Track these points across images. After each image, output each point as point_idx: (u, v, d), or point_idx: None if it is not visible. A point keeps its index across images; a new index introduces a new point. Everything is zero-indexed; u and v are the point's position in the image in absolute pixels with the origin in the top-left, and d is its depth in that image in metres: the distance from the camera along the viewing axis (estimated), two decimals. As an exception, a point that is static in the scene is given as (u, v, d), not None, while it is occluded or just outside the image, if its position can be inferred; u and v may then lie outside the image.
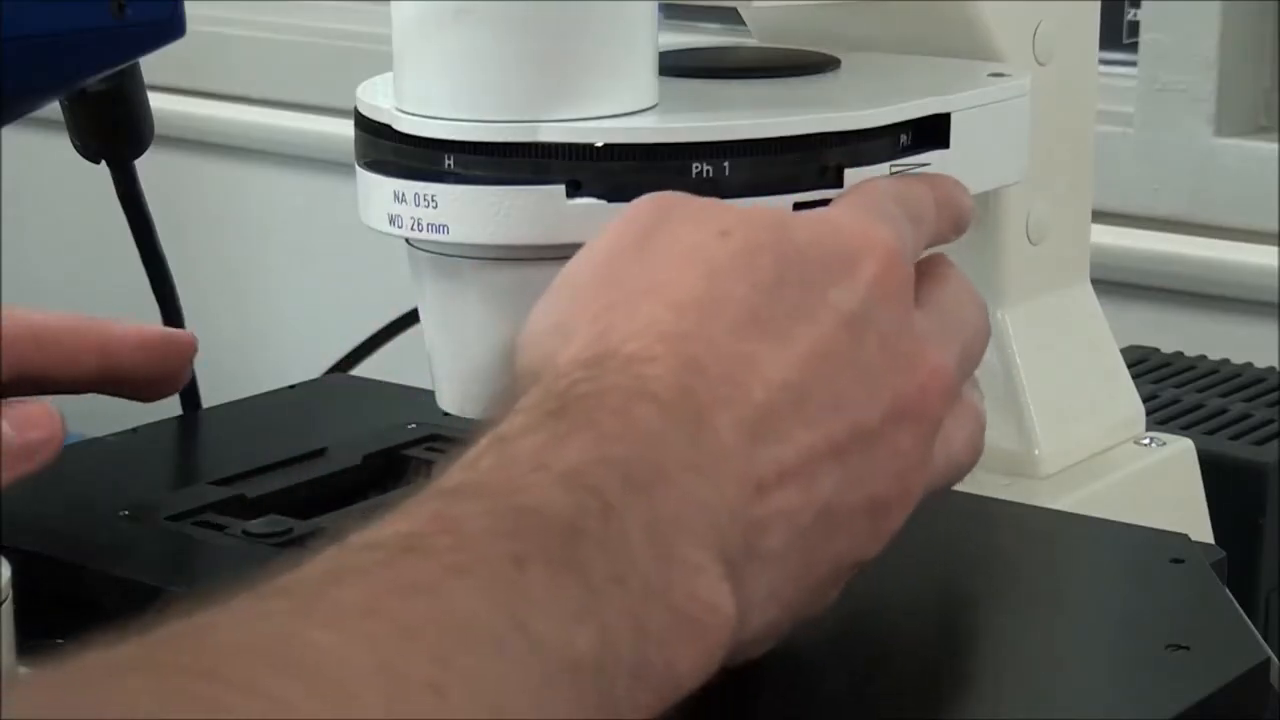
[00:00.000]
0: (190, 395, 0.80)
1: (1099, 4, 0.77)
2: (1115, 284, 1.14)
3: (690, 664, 0.45)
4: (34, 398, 0.64)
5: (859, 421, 0.51)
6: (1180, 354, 1.03)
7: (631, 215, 0.54)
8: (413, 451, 0.72)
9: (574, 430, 0.47)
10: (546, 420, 0.47)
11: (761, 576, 0.48)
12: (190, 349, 0.71)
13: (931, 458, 0.53)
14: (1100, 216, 0.82)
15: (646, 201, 0.54)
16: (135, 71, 0.82)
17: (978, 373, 0.58)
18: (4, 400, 0.63)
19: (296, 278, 1.86)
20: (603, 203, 0.57)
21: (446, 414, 0.63)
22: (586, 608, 0.43)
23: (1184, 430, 0.89)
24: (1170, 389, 0.97)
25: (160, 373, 0.70)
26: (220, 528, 0.65)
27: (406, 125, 0.60)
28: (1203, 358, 1.02)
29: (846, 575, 0.52)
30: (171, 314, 0.86)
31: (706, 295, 0.51)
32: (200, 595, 0.41)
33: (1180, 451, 0.79)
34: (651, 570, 0.45)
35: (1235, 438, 0.91)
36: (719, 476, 0.48)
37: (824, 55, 0.68)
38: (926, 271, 0.56)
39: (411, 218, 0.59)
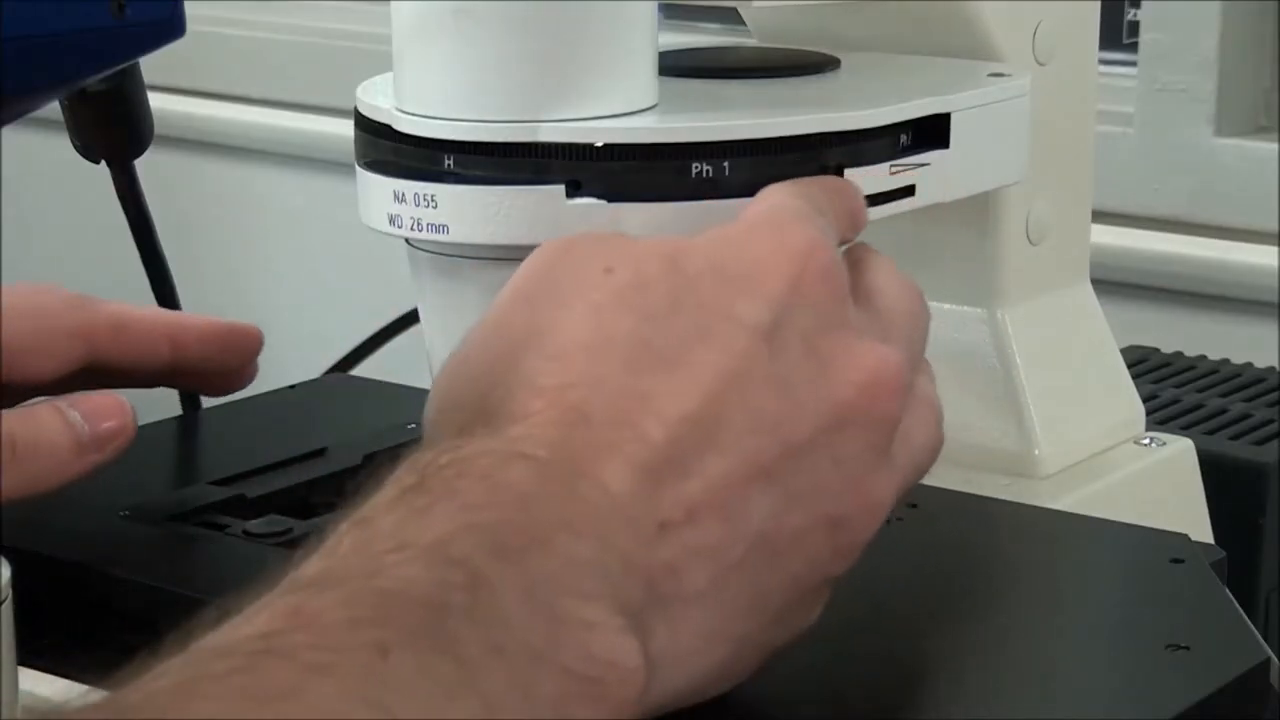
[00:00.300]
0: (190, 395, 0.81)
1: (1099, 4, 0.77)
2: (1115, 284, 1.14)
3: None
4: (103, 390, 0.64)
5: (785, 439, 0.48)
6: (1180, 354, 1.03)
7: (526, 265, 0.52)
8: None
9: (435, 503, 0.45)
10: (405, 496, 0.45)
11: (688, 619, 0.47)
12: (257, 342, 0.72)
13: (892, 459, 0.50)
14: (1100, 216, 0.82)
15: (544, 248, 0.52)
16: (135, 71, 0.82)
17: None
18: (74, 394, 0.64)
19: (296, 278, 1.86)
20: (603, 203, 0.57)
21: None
22: (461, 684, 0.41)
23: (1184, 430, 0.88)
24: (1170, 389, 0.97)
25: (228, 365, 0.71)
26: (220, 528, 0.65)
27: (406, 125, 0.60)
28: (1203, 358, 1.02)
29: (817, 596, 0.50)
30: (171, 314, 0.86)
31: (592, 337, 0.48)
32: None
33: (1180, 451, 0.79)
34: (535, 634, 0.43)
35: (1235, 438, 0.91)
36: (605, 528, 0.45)
37: (824, 55, 0.68)
38: (851, 263, 0.54)
39: (411, 218, 0.59)
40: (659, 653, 0.46)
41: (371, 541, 0.44)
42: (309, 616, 0.42)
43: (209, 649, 0.41)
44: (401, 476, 0.46)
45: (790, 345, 0.49)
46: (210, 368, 0.71)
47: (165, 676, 0.40)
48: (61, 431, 0.61)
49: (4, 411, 0.61)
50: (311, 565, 0.44)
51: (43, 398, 0.64)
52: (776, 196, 0.54)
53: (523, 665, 0.43)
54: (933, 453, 0.54)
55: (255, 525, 0.64)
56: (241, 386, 0.73)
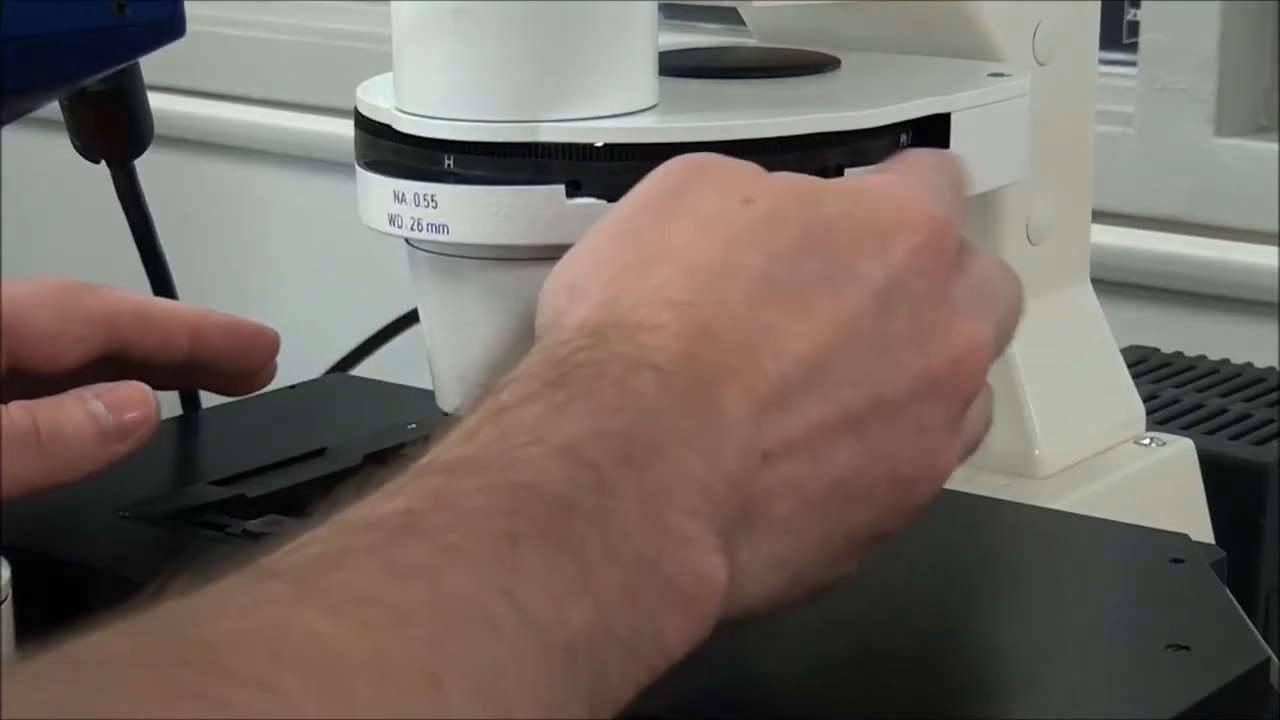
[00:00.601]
0: (190, 395, 0.81)
1: (1099, 4, 0.77)
2: (1115, 284, 1.14)
3: (678, 634, 0.45)
4: (127, 382, 0.65)
5: (880, 396, 0.50)
6: (1180, 354, 1.03)
7: (660, 176, 0.54)
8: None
9: (571, 401, 0.47)
10: (544, 390, 0.47)
11: (766, 543, 0.49)
12: (274, 344, 0.73)
13: (959, 433, 0.53)
14: (1100, 216, 0.82)
15: (677, 162, 0.54)
16: (135, 71, 0.82)
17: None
18: (98, 385, 0.64)
19: (296, 278, 1.86)
20: (603, 203, 0.57)
21: (446, 414, 0.63)
22: (580, 585, 0.43)
23: (1184, 430, 0.88)
24: (1170, 389, 0.97)
25: (245, 363, 0.72)
26: (220, 528, 0.65)
27: (406, 125, 0.60)
28: (1203, 358, 1.02)
29: (867, 548, 0.52)
30: (171, 314, 0.86)
31: (722, 262, 0.50)
32: (196, 575, 0.41)
33: (1180, 451, 0.79)
34: (643, 543, 0.45)
35: (1235, 438, 0.91)
36: (717, 448, 0.47)
37: (824, 55, 0.68)
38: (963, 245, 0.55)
39: (411, 218, 0.59)
40: (737, 570, 0.48)
41: (510, 433, 0.46)
42: (449, 499, 0.44)
43: (353, 522, 0.43)
44: (541, 368, 0.48)
45: (898, 309, 0.51)
46: (227, 366, 0.71)
47: (311, 546, 0.42)
48: (86, 422, 0.62)
49: (29, 402, 0.62)
50: (450, 449, 0.46)
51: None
52: (918, 166, 0.56)
53: (630, 572, 0.44)
54: (985, 431, 0.56)
55: (255, 525, 0.64)
56: (258, 388, 0.73)
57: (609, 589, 0.44)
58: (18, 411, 0.61)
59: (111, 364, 0.68)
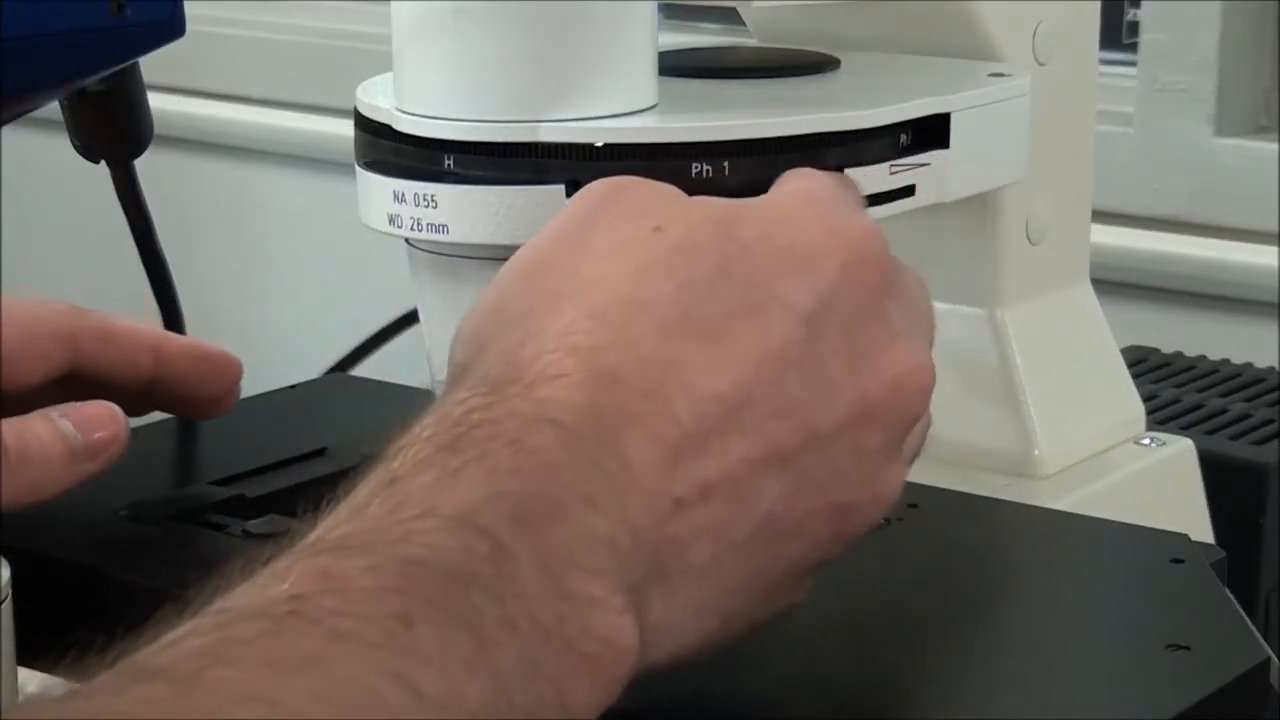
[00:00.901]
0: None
1: (1099, 4, 0.77)
2: (1115, 284, 1.14)
3: (586, 698, 0.44)
4: (95, 401, 0.64)
5: (810, 425, 0.48)
6: (1180, 354, 1.03)
7: (575, 203, 0.52)
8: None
9: (465, 465, 0.45)
10: (437, 456, 0.45)
11: (683, 592, 0.47)
12: (238, 370, 0.71)
13: (903, 455, 0.51)
14: (1100, 216, 0.82)
15: (594, 188, 0.52)
16: (135, 71, 0.82)
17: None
18: (66, 404, 0.63)
19: (296, 278, 1.86)
20: (603, 203, 0.57)
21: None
22: (478, 658, 0.42)
23: (1184, 430, 0.88)
24: (1170, 389, 0.97)
25: (209, 387, 0.70)
26: (220, 528, 0.65)
27: (406, 125, 0.60)
28: (1203, 358, 1.02)
29: (809, 577, 0.50)
30: (171, 314, 0.86)
31: (631, 296, 0.48)
32: (70, 669, 0.40)
33: (1180, 451, 0.79)
34: (543, 609, 0.43)
35: (1235, 438, 0.91)
36: (620, 501, 0.46)
37: (824, 55, 0.68)
38: None
39: (411, 218, 0.59)
40: (651, 625, 0.46)
41: (401, 504, 0.44)
42: (337, 580, 0.42)
43: (236, 610, 0.42)
44: (434, 432, 0.46)
45: (828, 333, 0.49)
46: (192, 388, 0.69)
47: (192, 637, 0.41)
48: (54, 441, 0.61)
49: None
50: (340, 525, 0.45)
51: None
52: (814, 180, 0.54)
53: (531, 641, 0.43)
54: (920, 447, 0.54)
55: (255, 525, 0.64)
56: (219, 414, 0.72)
57: (507, 659, 0.42)
58: None
59: (74, 384, 0.67)
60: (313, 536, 0.44)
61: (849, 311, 0.49)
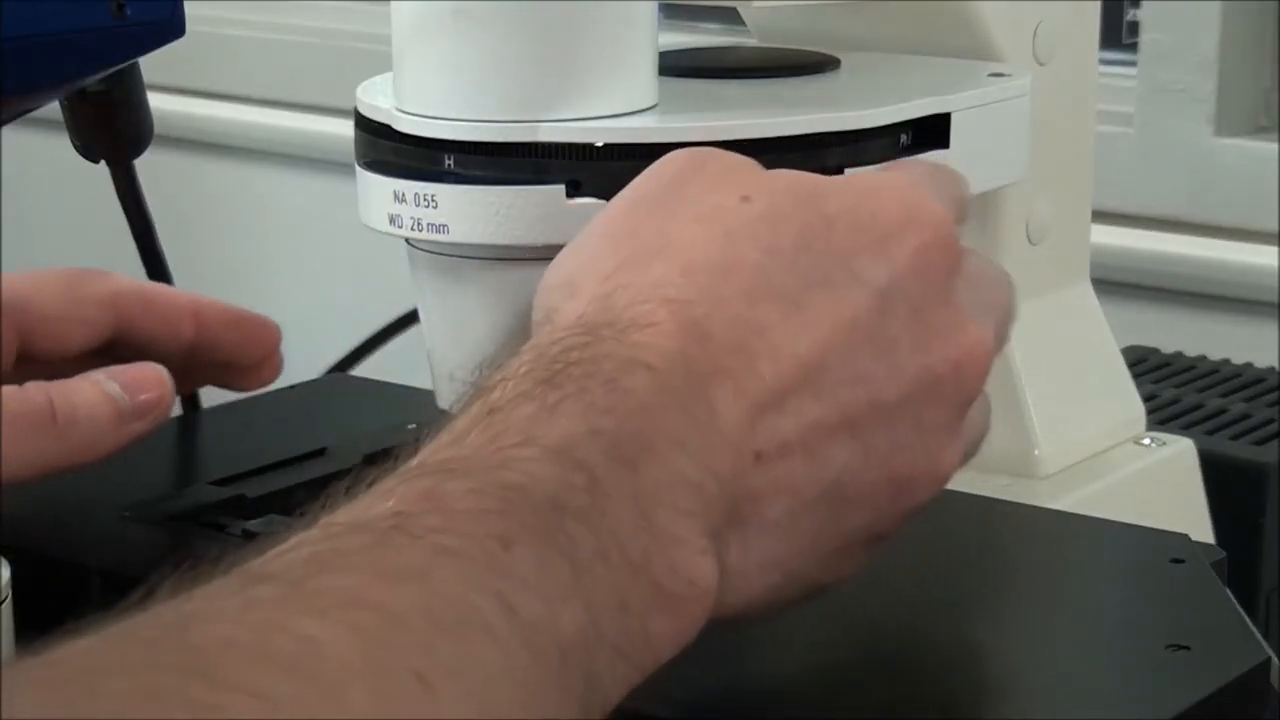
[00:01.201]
0: (191, 395, 0.80)
1: (1099, 4, 0.77)
2: (1115, 284, 1.14)
3: (667, 636, 0.45)
4: (141, 363, 0.64)
5: (878, 396, 0.50)
6: (1180, 354, 1.03)
7: (658, 170, 0.54)
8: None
9: (563, 401, 0.46)
10: (537, 389, 0.47)
11: (758, 544, 0.49)
12: (276, 334, 0.72)
13: (961, 433, 0.53)
14: (1100, 216, 0.82)
15: (676, 156, 0.54)
16: (135, 71, 0.82)
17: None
18: (112, 366, 0.64)
19: (296, 278, 1.86)
20: (603, 203, 0.57)
21: (446, 414, 0.62)
22: (572, 587, 0.43)
23: (1184, 430, 0.88)
24: (1170, 389, 0.97)
25: (249, 351, 0.72)
26: (220, 528, 0.65)
27: (406, 125, 0.60)
28: (1203, 358, 1.02)
29: (866, 549, 0.52)
30: (171, 314, 0.86)
31: (720, 259, 0.50)
32: (186, 578, 0.41)
33: (1180, 451, 0.79)
34: (633, 544, 0.45)
35: (1235, 438, 0.91)
36: (708, 448, 0.47)
37: (824, 55, 0.68)
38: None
39: (411, 218, 0.59)
40: (727, 571, 0.48)
41: (501, 433, 0.46)
42: (440, 501, 0.43)
43: (343, 523, 0.43)
44: (532, 367, 0.48)
45: (899, 309, 0.51)
46: (232, 354, 0.71)
47: (301, 548, 0.42)
48: (101, 403, 0.62)
49: (43, 384, 0.62)
50: (440, 450, 0.46)
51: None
52: (915, 168, 0.57)
53: (621, 574, 0.44)
54: (983, 436, 0.56)
55: (255, 525, 0.64)
56: (265, 382, 0.73)
57: (600, 591, 0.44)
58: (34, 391, 0.61)
59: (113, 354, 0.68)
60: (415, 461, 0.46)
61: (920, 290, 0.51)
